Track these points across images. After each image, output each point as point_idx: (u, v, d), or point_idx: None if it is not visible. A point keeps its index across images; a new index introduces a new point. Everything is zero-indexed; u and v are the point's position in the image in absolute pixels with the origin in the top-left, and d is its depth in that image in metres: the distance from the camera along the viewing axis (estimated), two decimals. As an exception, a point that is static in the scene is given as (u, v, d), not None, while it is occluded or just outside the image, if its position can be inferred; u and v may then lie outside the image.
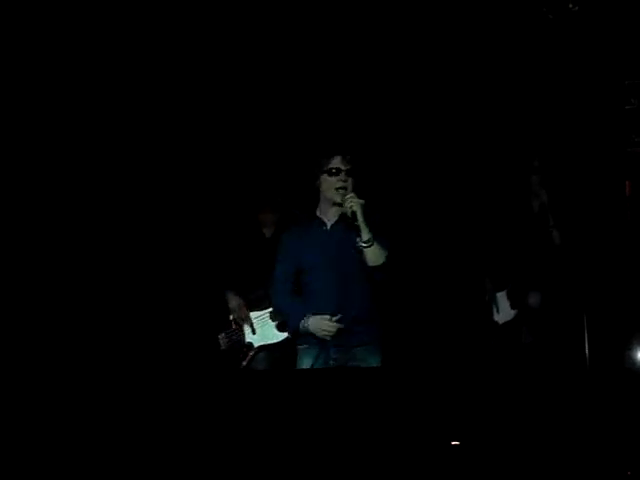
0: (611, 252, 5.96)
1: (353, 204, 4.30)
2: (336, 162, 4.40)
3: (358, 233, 4.33)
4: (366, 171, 4.61)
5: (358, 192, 4.37)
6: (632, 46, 5.83)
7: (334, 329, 4.37)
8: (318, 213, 4.55)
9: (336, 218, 4.50)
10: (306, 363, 4.57)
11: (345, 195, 4.33)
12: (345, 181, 4.37)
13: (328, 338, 4.39)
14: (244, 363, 5.61)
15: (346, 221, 4.37)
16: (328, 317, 4.38)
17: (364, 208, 4.32)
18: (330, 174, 4.38)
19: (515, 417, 5.84)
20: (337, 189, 4.40)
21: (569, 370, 5.98)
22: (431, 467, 5.36)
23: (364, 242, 4.33)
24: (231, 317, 5.79)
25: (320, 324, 4.37)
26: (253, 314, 5.74)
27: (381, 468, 5.36)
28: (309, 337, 4.54)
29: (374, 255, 4.37)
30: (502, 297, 6.14)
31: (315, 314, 4.44)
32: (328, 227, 4.53)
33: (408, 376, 6.18)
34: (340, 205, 4.36)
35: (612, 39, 5.90)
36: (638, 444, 5.29)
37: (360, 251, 4.36)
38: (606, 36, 5.90)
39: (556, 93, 6.05)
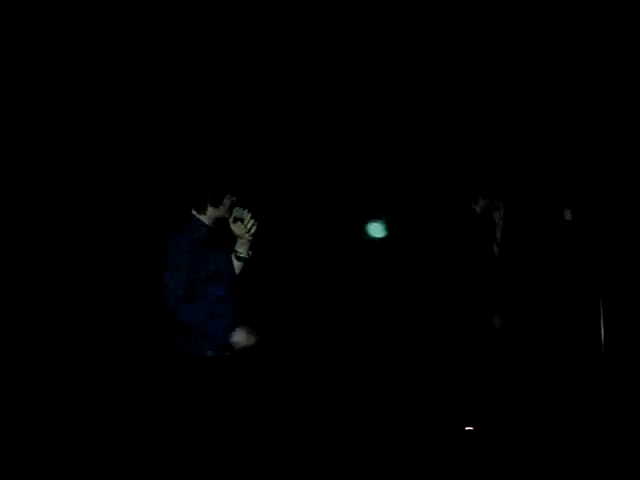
0: (629, 235, 5.93)
1: (255, 224, 4.47)
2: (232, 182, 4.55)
3: (241, 247, 4.50)
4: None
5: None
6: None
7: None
8: (207, 222, 4.56)
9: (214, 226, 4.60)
10: None
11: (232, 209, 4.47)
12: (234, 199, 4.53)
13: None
14: None
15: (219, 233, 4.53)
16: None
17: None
18: (232, 194, 4.50)
19: (531, 403, 5.82)
20: (230, 207, 4.52)
21: (585, 357, 5.95)
22: (445, 451, 5.36)
23: (245, 255, 4.52)
24: None
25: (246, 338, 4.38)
26: None
27: (395, 454, 5.37)
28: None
29: (239, 268, 4.56)
30: None
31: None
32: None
33: (426, 363, 6.20)
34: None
35: (631, 25, 5.87)
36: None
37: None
38: (623, 23, 5.88)
39: (577, 78, 6.01)
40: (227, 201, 4.40)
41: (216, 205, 4.37)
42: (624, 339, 5.81)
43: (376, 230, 6.37)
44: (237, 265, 4.52)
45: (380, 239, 6.40)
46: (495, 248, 5.74)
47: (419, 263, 6.21)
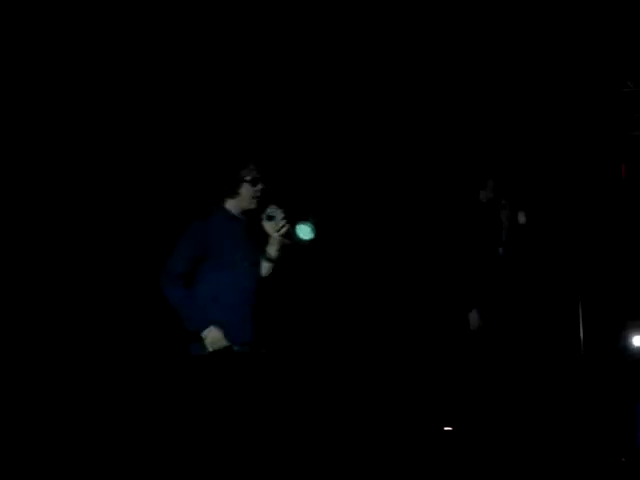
0: (607, 235, 5.94)
1: (287, 226, 4.37)
2: (254, 172, 4.44)
3: (270, 247, 4.40)
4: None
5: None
6: (630, 29, 5.79)
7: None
8: (234, 211, 4.48)
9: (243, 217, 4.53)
10: None
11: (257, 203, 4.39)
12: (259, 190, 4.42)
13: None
14: None
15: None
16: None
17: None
18: (252, 184, 4.40)
19: (510, 402, 5.83)
20: (254, 197, 4.43)
21: (564, 355, 5.97)
22: (425, 451, 5.36)
23: (272, 256, 4.42)
24: None
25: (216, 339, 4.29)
26: None
27: (376, 453, 5.36)
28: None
29: (266, 269, 4.46)
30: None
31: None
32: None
33: (405, 363, 6.20)
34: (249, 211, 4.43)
35: (609, 25, 5.86)
36: (632, 431, 5.27)
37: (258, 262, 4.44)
38: (603, 22, 5.87)
39: (555, 78, 6.00)
40: (246, 191, 4.31)
41: (232, 196, 4.30)
42: (604, 340, 5.84)
43: (304, 232, 6.29)
44: (265, 266, 4.42)
45: (308, 241, 6.32)
46: (500, 248, 5.67)
47: (423, 254, 6.15)
